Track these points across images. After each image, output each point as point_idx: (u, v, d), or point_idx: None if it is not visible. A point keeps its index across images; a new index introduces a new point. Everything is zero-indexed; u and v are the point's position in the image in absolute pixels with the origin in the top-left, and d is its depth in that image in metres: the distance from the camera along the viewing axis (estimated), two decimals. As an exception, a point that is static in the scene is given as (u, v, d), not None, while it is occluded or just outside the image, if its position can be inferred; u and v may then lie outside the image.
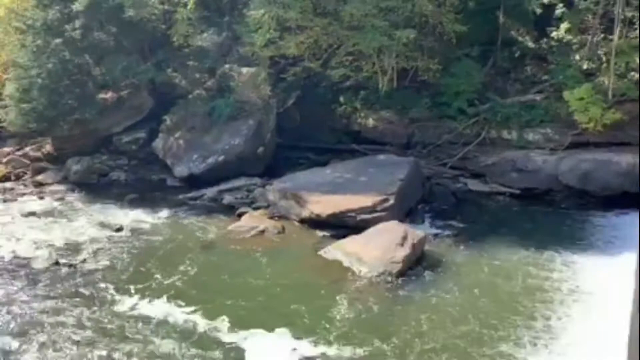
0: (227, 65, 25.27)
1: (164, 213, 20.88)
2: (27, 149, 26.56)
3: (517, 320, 13.84)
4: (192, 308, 14.45)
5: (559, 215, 20.00)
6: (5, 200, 22.30)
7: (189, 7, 24.85)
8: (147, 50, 26.00)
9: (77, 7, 23.40)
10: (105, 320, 14.06)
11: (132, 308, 14.60)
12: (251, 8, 23.32)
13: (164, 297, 14.99)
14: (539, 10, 23.43)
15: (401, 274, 15.75)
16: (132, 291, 15.36)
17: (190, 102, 25.17)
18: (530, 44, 24.00)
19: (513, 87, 23.57)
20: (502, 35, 24.02)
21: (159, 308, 14.56)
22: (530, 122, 22.17)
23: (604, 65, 21.29)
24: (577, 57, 22.14)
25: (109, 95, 25.38)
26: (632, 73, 21.00)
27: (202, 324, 13.86)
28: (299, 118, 25.78)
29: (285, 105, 25.42)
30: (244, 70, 24.96)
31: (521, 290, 15.22)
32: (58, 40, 23.37)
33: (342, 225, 18.32)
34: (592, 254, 17.00)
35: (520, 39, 24.16)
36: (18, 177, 24.73)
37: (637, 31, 20.57)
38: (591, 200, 20.04)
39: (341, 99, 24.98)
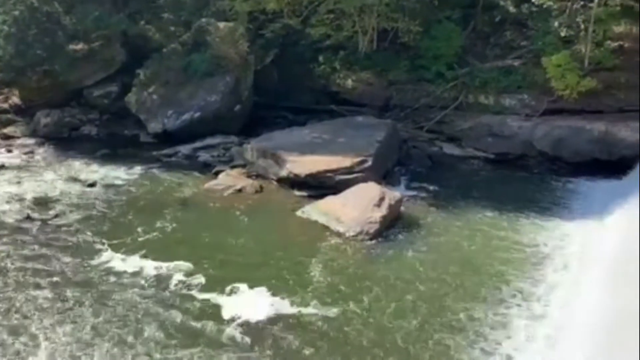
0: (203, 19, 24.55)
1: (138, 169, 20.58)
2: (-7, 99, 25.58)
3: (483, 279, 14.19)
4: (167, 264, 14.37)
5: (531, 180, 20.42)
6: (-31, 153, 21.57)
7: (164, -45, 23.93)
8: (119, 1, 25.03)
9: (45, -49, 22.26)
10: (78, 273, 13.91)
11: (105, 262, 14.47)
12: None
13: (139, 253, 14.89)
14: (521, -26, 23.32)
15: (378, 234, 15.94)
16: (106, 246, 15.19)
17: (165, 56, 24.49)
18: (511, 9, 23.93)
19: (492, 51, 23.58)
20: (484, -1, 23.91)
21: (133, 263, 14.47)
22: (507, 88, 22.33)
23: (582, 32, 21.42)
24: (556, 23, 22.16)
25: (79, 46, 24.44)
26: (608, 42, 21.20)
27: (177, 279, 13.84)
28: (277, 77, 25.44)
29: (263, 63, 25.00)
30: (222, 24, 24.32)
31: (489, 251, 15.54)
32: (25, -14, 22.28)
33: (320, 186, 18.34)
34: (559, 218, 17.42)
35: (501, 3, 24.05)
36: (-17, 130, 23.87)
37: (617, -1, 20.68)
38: (563, 166, 20.51)
39: (320, 58, 24.64)
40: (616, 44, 21.10)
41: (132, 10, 25.27)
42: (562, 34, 21.78)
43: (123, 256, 14.76)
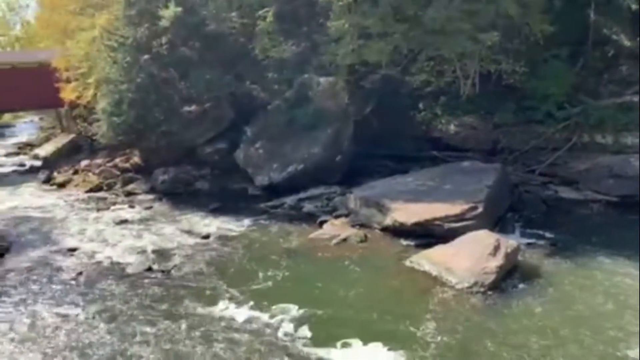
0: (305, 75, 25.47)
1: (247, 221, 21.23)
2: (117, 160, 27.99)
3: (616, 336, 12.78)
4: (278, 315, 14.40)
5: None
6: (99, 209, 23.50)
7: (268, 20, 25.31)
8: (228, 64, 26.70)
9: (163, 23, 24.41)
10: (195, 321, 14.32)
11: (221, 311, 14.78)
12: (332, 18, 23.41)
13: (251, 302, 15.09)
14: (634, 7, 21.97)
15: (494, 285, 15.00)
16: (222, 296, 15.57)
17: (270, 113, 25.58)
18: (626, 42, 22.51)
19: (607, 88, 22.18)
20: (594, 34, 22.71)
21: (245, 312, 14.66)
22: (627, 125, 20.78)
23: None
24: (679, 54, 20.54)
25: (192, 107, 26.23)
26: None
27: (287, 331, 13.76)
28: (377, 125, 25.49)
29: (363, 113, 25.25)
30: (322, 79, 25.07)
31: (618, 306, 14.10)
32: (146, 56, 24.46)
33: (427, 234, 17.80)
34: None
35: (614, 37, 22.72)
36: (110, 187, 26.08)
37: None
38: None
39: (420, 105, 24.51)
40: None
41: (238, 71, 26.80)
42: (688, 65, 20.07)
43: (236, 305, 15.04)
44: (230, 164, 25.74)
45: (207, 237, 19.83)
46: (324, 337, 13.39)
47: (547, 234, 18.40)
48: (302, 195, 23.00)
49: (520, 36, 22.12)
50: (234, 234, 20.15)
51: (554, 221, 19.30)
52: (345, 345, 13.06)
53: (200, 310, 14.89)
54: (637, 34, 22.25)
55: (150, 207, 23.27)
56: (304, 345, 13.19)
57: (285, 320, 14.19)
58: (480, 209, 17.68)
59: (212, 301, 15.30)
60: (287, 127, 24.81)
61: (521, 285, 15.34)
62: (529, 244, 17.66)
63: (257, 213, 22.00)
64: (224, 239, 19.63)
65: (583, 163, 21.09)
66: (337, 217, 20.68)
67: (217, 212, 22.33)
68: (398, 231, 18.46)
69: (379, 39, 22.66)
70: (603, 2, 22.22)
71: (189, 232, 20.30)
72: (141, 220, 21.80)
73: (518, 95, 22.87)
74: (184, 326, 14.12)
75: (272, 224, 20.84)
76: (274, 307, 14.75)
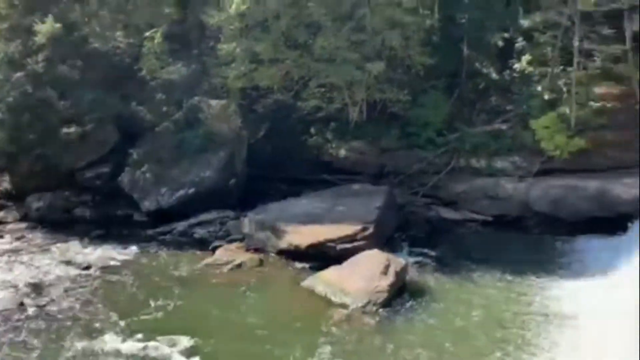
0: (195, 98, 25.00)
1: (134, 249, 20.18)
2: (-17, 186, 25.25)
3: (498, 345, 13.77)
4: (169, 348, 13.74)
5: (531, 240, 20.44)
6: (-41, 241, 20.97)
7: (156, 40, 24.62)
8: (112, 84, 25.47)
9: (39, 39, 22.77)
10: (77, 357, 13.31)
11: (106, 345, 13.85)
12: (222, 42, 23.31)
13: (139, 335, 14.27)
14: (501, 43, 24.37)
15: (386, 303, 15.55)
16: (107, 329, 14.60)
17: (158, 135, 24.65)
18: (494, 76, 24.79)
19: (479, 117, 24.15)
20: (467, 68, 24.76)
21: (133, 345, 13.84)
22: (498, 151, 22.70)
23: (565, 95, 22.17)
24: (539, 87, 22.99)
25: (72, 129, 24.51)
26: (591, 103, 21.93)
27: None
28: (271, 149, 25.58)
29: (256, 137, 25.23)
30: (214, 102, 24.76)
31: (497, 316, 15.24)
32: (20, 74, 22.59)
33: (322, 256, 18.05)
34: (561, 278, 17.32)
35: (484, 70, 24.95)
36: (-26, 216, 23.36)
37: (596, 63, 21.55)
38: (562, 226, 20.50)
39: (312, 130, 24.97)
40: (599, 104, 21.79)
41: (124, 92, 25.65)
42: (546, 97, 22.52)
43: (123, 338, 14.15)
44: (114, 189, 24.23)
45: (88, 267, 18.52)
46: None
47: (432, 252, 19.50)
48: (193, 220, 22.27)
49: (403, 67, 23.54)
50: (118, 263, 19.04)
51: (437, 240, 20.49)
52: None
53: (82, 344, 13.77)
54: (503, 68, 24.63)
55: (22, 237, 21.19)
56: None
57: (175, 352, 13.55)
58: (371, 230, 18.32)
59: (96, 335, 14.27)
60: (176, 149, 24.00)
61: (410, 302, 16.09)
62: (415, 262, 18.63)
63: (144, 240, 20.98)
64: (108, 269, 18.46)
65: (461, 185, 22.67)
66: (231, 241, 20.34)
67: (99, 240, 20.91)
68: (293, 254, 18.55)
69: (270, 64, 22.99)
70: (474, 38, 24.37)
71: (68, 263, 18.80)
72: (12, 252, 19.79)
73: (402, 122, 24.18)
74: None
75: (161, 251, 19.99)
76: (164, 338, 14.06)
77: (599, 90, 22.16)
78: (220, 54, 22.79)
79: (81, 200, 24.31)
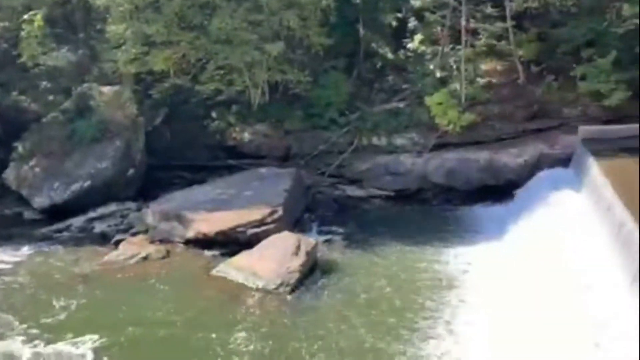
0: (85, 85, 23.48)
1: (26, 249, 18.87)
2: None
3: (400, 312, 14.53)
4: (78, 349, 13.08)
5: (430, 211, 21.56)
6: None
7: (36, 24, 22.75)
8: (-14, 71, 23.32)
9: None
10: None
11: (9, 357, 12.89)
12: (109, 22, 22.00)
13: (44, 337, 13.55)
14: (394, 23, 25.13)
15: (299, 283, 15.76)
16: (4, 336, 13.58)
17: (45, 126, 22.95)
18: (390, 55, 25.55)
19: (378, 96, 24.82)
20: (364, 48, 25.31)
21: (37, 349, 13.10)
22: (396, 128, 23.48)
23: (455, 72, 23.40)
24: (432, 66, 24.05)
25: (-57, 123, 22.20)
26: (479, 79, 23.34)
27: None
28: (170, 136, 24.65)
29: (154, 124, 24.21)
30: (106, 89, 23.41)
31: (398, 285, 15.99)
32: None
33: (232, 242, 17.88)
34: (457, 245, 18.40)
35: (380, 50, 25.63)
36: None
37: (481, 40, 22.88)
38: (457, 195, 21.80)
39: (213, 114, 24.36)
40: (485, 80, 23.25)
41: (2, 80, 23.55)
42: (438, 75, 23.63)
43: (23, 341, 13.30)
44: (-2, 187, 22.44)
45: (-26, 273, 16.96)
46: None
47: (340, 230, 19.99)
48: (91, 214, 21.14)
49: (303, 48, 23.57)
50: (9, 266, 17.70)
51: (344, 217, 21.01)
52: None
53: None
54: (398, 48, 25.45)
55: None
56: None
57: (81, 353, 12.91)
58: (280, 212, 18.37)
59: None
60: (67, 141, 22.52)
61: (321, 280, 16.43)
62: (325, 241, 19.01)
63: (37, 239, 19.65)
64: (-2, 272, 17.02)
65: (364, 163, 23.28)
66: (134, 234, 19.53)
67: (-15, 243, 19.23)
68: (202, 242, 18.18)
69: (164, 46, 22.06)
70: (369, 19, 24.92)
71: (-51, 271, 17.12)
72: None
73: (304, 103, 24.28)
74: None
75: (58, 250, 18.81)
76: (69, 340, 13.35)
77: (484, 66, 23.64)
78: (109, 37, 21.46)
79: (-40, 201, 22.18)
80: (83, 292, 15.77)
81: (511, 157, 21.29)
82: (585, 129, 20.77)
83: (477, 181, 21.51)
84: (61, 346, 13.13)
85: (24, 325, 13.99)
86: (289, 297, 15.37)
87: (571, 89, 22.28)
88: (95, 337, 13.45)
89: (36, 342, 13.30)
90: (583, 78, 21.75)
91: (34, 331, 13.73)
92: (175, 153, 24.27)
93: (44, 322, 14.20)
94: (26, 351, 12.99)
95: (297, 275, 15.75)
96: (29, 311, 14.73)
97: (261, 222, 17.93)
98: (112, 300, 15.30)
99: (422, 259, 17.61)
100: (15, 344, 13.18)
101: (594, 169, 17.14)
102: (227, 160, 24.28)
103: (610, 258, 13.24)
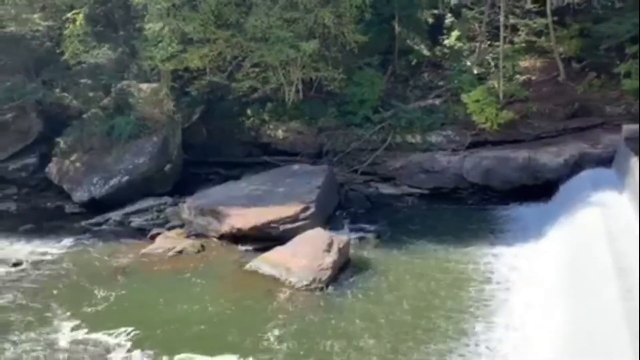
0: (124, 82, 24.02)
1: (67, 242, 19.35)
2: None
3: (440, 313, 14.26)
4: (117, 339, 13.39)
5: (466, 210, 21.14)
6: None
7: (78, 22, 23.36)
8: (32, 69, 24.04)
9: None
10: (25, 348, 12.90)
11: (50, 341, 13.30)
12: (147, 21, 22.42)
13: (84, 329, 13.85)
14: (430, 20, 24.86)
15: (331, 280, 15.72)
16: (47, 324, 14.01)
17: (86, 122, 23.59)
18: (425, 52, 25.32)
19: (413, 93, 24.64)
20: (399, 45, 25.17)
21: (79, 339, 13.44)
22: (431, 125, 23.24)
23: (493, 69, 22.98)
24: (469, 62, 23.69)
25: (-10, 119, 23.05)
26: (518, 76, 22.86)
27: (128, 354, 12.88)
28: (206, 133, 25.08)
29: (191, 121, 24.60)
30: (144, 86, 23.89)
31: (434, 285, 15.74)
32: None
33: (265, 238, 17.98)
34: (495, 245, 17.98)
35: (415, 47, 25.39)
36: None
37: (520, 37, 22.41)
38: (494, 195, 21.35)
39: (248, 111, 24.64)
40: (524, 77, 22.75)
41: (46, 78, 24.30)
42: (475, 72, 23.25)
43: (65, 332, 13.66)
44: (41, 181, 23.28)
45: (18, 264, 17.57)
46: (165, 354, 12.71)
47: (373, 227, 19.81)
48: (129, 209, 21.60)
49: (337, 45, 23.54)
50: (52, 257, 18.17)
51: (377, 215, 20.83)
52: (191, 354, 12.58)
53: (25, 337, 13.32)
54: (434, 45, 25.16)
55: (-57, 237, 19.80)
56: None
57: (122, 343, 13.19)
58: (312, 209, 18.39)
59: (39, 328, 13.75)
60: (107, 137, 23.10)
61: (353, 277, 16.33)
62: (358, 238, 18.85)
63: (78, 232, 20.16)
64: (41, 263, 17.58)
65: (398, 161, 23.11)
66: (170, 229, 19.86)
67: (29, 234, 19.89)
68: (236, 237, 18.36)
69: (200, 44, 22.36)
70: (405, 15, 24.72)
71: (-4, 261, 17.77)
72: None
73: (338, 100, 24.32)
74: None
75: (97, 243, 19.25)
76: (109, 329, 13.65)
77: (523, 63, 23.13)
78: (147, 34, 21.87)
79: (6, 194, 23.16)
80: (122, 283, 16.15)
81: (551, 157, 20.73)
82: (628, 128, 20.02)
83: (515, 181, 21.02)
84: (100, 336, 13.46)
85: (68, 313, 14.46)
86: (320, 293, 15.34)
87: (614, 86, 21.66)
88: (132, 328, 13.71)
89: (77, 330, 13.70)
90: (627, 75, 21.10)
91: (76, 319, 14.18)
92: (211, 150, 24.65)
93: (84, 311, 14.63)
94: (67, 338, 13.39)
95: (329, 272, 15.72)
96: (71, 300, 15.17)
97: (294, 219, 17.98)
98: (149, 293, 15.60)
99: (456, 259, 17.28)
100: (57, 331, 13.62)
101: (638, 168, 16.51)
102: (261, 157, 24.50)
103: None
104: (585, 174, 19.45)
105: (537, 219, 18.83)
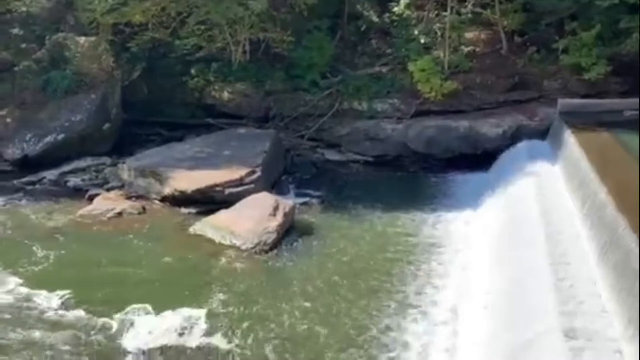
0: (60, 34, 22.70)
1: (-1, 200, 18.43)
2: None
3: (378, 275, 14.62)
4: (59, 297, 13.15)
5: (408, 178, 21.65)
6: None
7: (7, -35, 21.74)
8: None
9: None
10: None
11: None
12: (86, -31, 21.12)
13: (24, 287, 13.57)
14: (381, -15, 24.70)
15: (276, 243, 15.81)
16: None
17: (18, 75, 22.27)
18: (375, 18, 25.21)
19: (361, 59, 24.56)
20: (349, 9, 24.89)
21: (17, 300, 13.10)
22: (378, 93, 23.36)
23: (440, 39, 23.25)
24: (416, 31, 23.83)
25: None
26: (463, 47, 23.26)
27: (71, 312, 12.71)
28: (147, 92, 24.19)
29: (131, 78, 23.66)
30: (82, 39, 22.73)
31: (373, 248, 16.07)
32: None
33: (208, 201, 17.76)
34: (433, 211, 18.52)
35: (365, 13, 25.26)
36: None
37: (467, 8, 22.69)
38: (435, 163, 21.92)
39: (192, 71, 23.88)
40: (469, 48, 23.18)
41: (-29, 27, 22.62)
42: (422, 41, 23.45)
43: (2, 292, 13.28)
44: (-33, 137, 21.77)
45: (-56, 223, 16.62)
46: (113, 309, 12.67)
47: (318, 193, 19.94)
48: (65, 168, 20.83)
49: (286, 6, 23.06)
50: (-18, 216, 17.28)
51: (323, 181, 21.00)
52: (137, 312, 12.60)
53: None
54: (383, 11, 25.09)
55: None
56: (91, 319, 12.43)
57: (64, 301, 13.02)
58: (258, 173, 18.29)
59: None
60: (40, 91, 21.95)
61: (298, 241, 16.45)
62: (303, 203, 18.96)
63: (9, 191, 19.25)
64: (-30, 222, 16.71)
65: (344, 128, 23.19)
66: (109, 190, 19.30)
67: (-45, 193, 18.81)
68: (178, 200, 18.05)
69: (143, -3, 21.33)
70: (355, -21, 24.46)
71: None
72: None
73: (286, 64, 23.94)
74: None
75: (31, 203, 18.48)
76: (51, 289, 13.37)
77: (469, 35, 23.53)
78: (86, -16, 20.66)
79: None
80: (61, 243, 15.68)
81: (490, 127, 21.43)
82: (564, 102, 20.99)
83: (456, 149, 21.65)
84: (42, 293, 13.25)
85: (5, 272, 14.09)
86: (265, 256, 15.43)
87: (553, 61, 22.41)
88: (74, 287, 13.48)
89: (17, 288, 13.45)
90: (565, 51, 21.87)
91: (14, 278, 13.86)
92: (152, 109, 23.86)
93: (23, 269, 14.24)
94: (6, 297, 13.08)
95: (274, 236, 15.79)
96: (7, 258, 14.67)
97: (239, 182, 17.82)
98: (90, 253, 15.24)
99: (397, 224, 17.72)
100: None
101: (570, 141, 17.39)
102: (205, 118, 23.98)
103: (581, 229, 13.56)
104: (522, 145, 20.29)
105: (476, 186, 19.53)
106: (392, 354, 11.52)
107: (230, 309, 13.08)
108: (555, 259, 12.19)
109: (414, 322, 12.54)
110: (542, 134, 20.76)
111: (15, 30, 22.69)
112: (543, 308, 10.63)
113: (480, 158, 20.78)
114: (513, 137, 21.00)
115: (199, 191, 17.76)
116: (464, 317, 12.41)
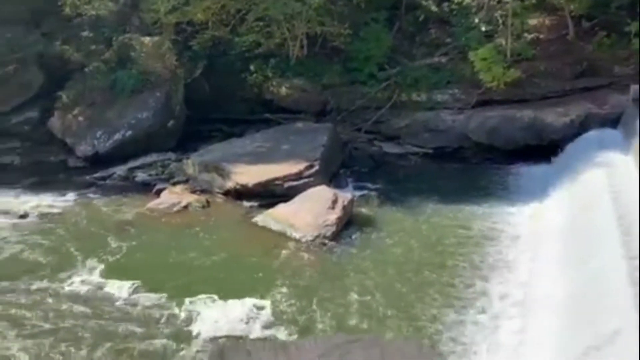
0: (126, 35, 23.63)
1: (72, 195, 19.40)
2: None
3: (443, 269, 14.48)
4: (128, 287, 13.76)
5: (469, 170, 21.15)
6: None
7: (77, -28, 22.79)
8: (32, 21, 23.58)
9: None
10: (38, 297, 13.28)
11: (60, 293, 13.63)
12: (150, -28, 21.88)
13: (97, 278, 14.29)
14: (439, -26, 24.23)
15: (335, 236, 15.90)
16: (58, 276, 14.31)
17: (88, 76, 23.32)
18: (433, 8, 24.76)
19: (419, 50, 24.25)
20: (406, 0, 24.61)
21: (94, 288, 13.87)
22: (437, 84, 22.96)
23: (501, 26, 22.55)
24: (477, 19, 23.21)
25: (-10, 71, 22.74)
26: (526, 34, 22.47)
27: (142, 299, 13.31)
28: (209, 89, 24.79)
29: (193, 76, 24.26)
30: (146, 39, 23.54)
31: (435, 242, 15.89)
32: None
33: (269, 195, 18.06)
34: (500, 203, 18.07)
35: (423, 3, 24.85)
36: None
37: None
38: (498, 154, 21.30)
39: (251, 67, 24.28)
40: (533, 35, 22.37)
41: (46, 30, 23.86)
42: (483, 29, 22.82)
43: (81, 281, 14.10)
44: (44, 135, 23.08)
45: (24, 216, 17.71)
46: (182, 297, 13.18)
47: (376, 186, 19.84)
48: (133, 164, 21.63)
49: (343, -1, 23.05)
50: (58, 210, 18.27)
51: (381, 174, 20.84)
52: (205, 301, 13.05)
53: (41, 285, 13.76)
54: (442, 0, 24.61)
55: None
56: (161, 307, 12.97)
57: (136, 290, 13.67)
58: (316, 167, 18.42)
59: (51, 278, 14.12)
60: (109, 91, 22.94)
61: (357, 234, 16.49)
62: (361, 196, 18.93)
63: (82, 186, 20.22)
64: (47, 216, 17.72)
65: (402, 120, 22.96)
66: (175, 184, 19.93)
67: (34, 188, 19.90)
68: (240, 194, 18.46)
69: (205, -4, 21.88)
70: (413, -31, 24.10)
71: (2, 213, 17.87)
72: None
73: (343, 57, 23.94)
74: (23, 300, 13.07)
75: (102, 197, 19.34)
76: (126, 278, 14.03)
77: (532, 21, 22.69)
78: (149, -14, 21.40)
79: (8, 147, 23.02)
80: (132, 234, 16.42)
81: (556, 116, 20.59)
82: (637, 89, 19.87)
83: (520, 140, 20.94)
84: (117, 282, 13.93)
85: (81, 262, 14.88)
86: (324, 249, 15.56)
87: (624, 46, 21.29)
88: (148, 275, 14.21)
89: (92, 278, 14.21)
90: (638, 34, 20.72)
91: (90, 268, 14.62)
92: (214, 106, 24.39)
93: (98, 259, 14.99)
94: (82, 286, 13.87)
95: (333, 228, 15.89)
96: (83, 250, 15.46)
97: (298, 176, 18.03)
98: (159, 244, 15.92)
99: (458, 217, 17.38)
100: (72, 279, 14.11)
101: (644, 129, 16.45)
102: (264, 114, 24.34)
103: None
104: (591, 135, 19.40)
105: (541, 178, 18.89)
106: (458, 348, 11.38)
107: (293, 300, 13.29)
108: (633, 254, 11.59)
109: (479, 314, 12.36)
110: (613, 122, 19.76)
111: (85, 33, 23.73)
112: (622, 304, 10.16)
113: (545, 149, 20.02)
114: (581, 127, 20.10)
115: (259, 185, 18.10)
116: (534, 313, 12.05)
